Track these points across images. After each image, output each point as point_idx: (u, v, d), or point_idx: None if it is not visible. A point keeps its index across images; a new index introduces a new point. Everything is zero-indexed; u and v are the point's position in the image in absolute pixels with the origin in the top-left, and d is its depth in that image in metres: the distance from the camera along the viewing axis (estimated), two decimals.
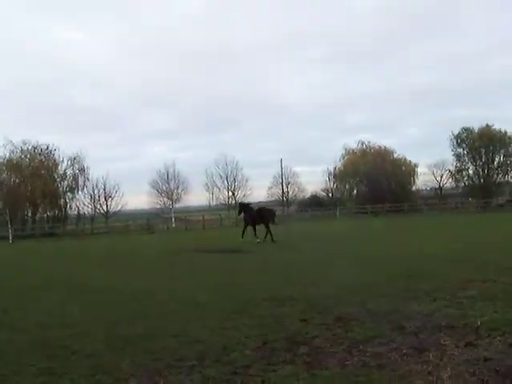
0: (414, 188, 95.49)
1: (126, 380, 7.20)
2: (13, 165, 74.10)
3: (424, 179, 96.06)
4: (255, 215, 34.52)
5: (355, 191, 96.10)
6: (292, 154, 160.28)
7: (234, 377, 7.05)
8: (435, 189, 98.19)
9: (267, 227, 33.29)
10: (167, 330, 9.76)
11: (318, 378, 6.78)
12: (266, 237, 32.87)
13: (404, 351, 7.63)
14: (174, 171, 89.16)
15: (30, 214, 75.72)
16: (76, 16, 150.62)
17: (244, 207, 36.97)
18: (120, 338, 9.44)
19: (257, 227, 33.89)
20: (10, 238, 60.28)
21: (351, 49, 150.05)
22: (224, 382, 6.91)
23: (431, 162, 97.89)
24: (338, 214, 78.16)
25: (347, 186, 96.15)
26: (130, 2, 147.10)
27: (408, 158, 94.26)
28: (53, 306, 13.21)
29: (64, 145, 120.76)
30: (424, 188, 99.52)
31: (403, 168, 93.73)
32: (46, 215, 76.65)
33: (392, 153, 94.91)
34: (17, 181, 74.25)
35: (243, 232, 34.31)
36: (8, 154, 74.85)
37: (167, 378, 7.18)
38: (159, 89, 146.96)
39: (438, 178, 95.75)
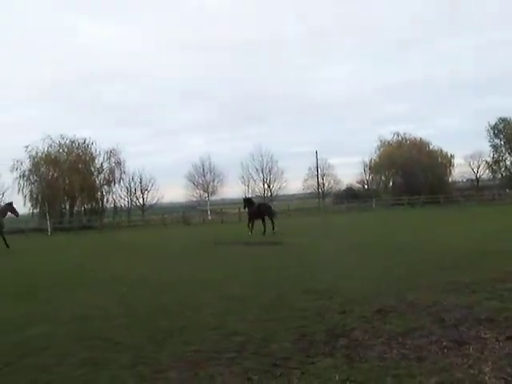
0: (450, 179, 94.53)
1: (165, 371, 7.25)
2: (51, 159, 74.76)
3: (461, 170, 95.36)
4: (256, 210, 36.82)
5: (391, 183, 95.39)
6: (327, 145, 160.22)
7: (273, 369, 7.05)
8: (472, 180, 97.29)
9: (263, 221, 35.78)
10: (206, 323, 9.82)
11: (357, 371, 6.75)
12: (264, 230, 34.97)
13: (444, 344, 7.57)
14: (210, 164, 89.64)
15: (67, 207, 76.39)
16: (114, 12, 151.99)
17: (248, 202, 38.81)
18: (159, 329, 9.52)
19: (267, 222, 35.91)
20: (49, 230, 61.02)
21: (385, 38, 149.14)
22: (263, 373, 6.91)
23: (468, 153, 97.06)
24: (373, 205, 77.72)
25: (383, 178, 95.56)
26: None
27: (444, 150, 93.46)
28: (92, 298, 13.38)
29: (101, 139, 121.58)
30: (460, 180, 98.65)
31: (439, 159, 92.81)
32: (83, 208, 77.21)
33: (428, 144, 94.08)
34: (55, 175, 74.86)
35: (248, 225, 36.34)
36: (46, 149, 75.57)
37: (207, 369, 7.20)
38: (195, 83, 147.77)
39: (475, 170, 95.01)
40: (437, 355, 7.14)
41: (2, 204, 54.28)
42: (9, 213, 36.39)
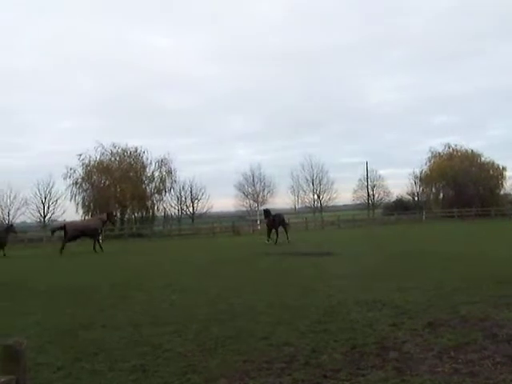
0: (502, 192, 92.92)
1: (215, 380, 7.30)
2: (103, 167, 75.78)
3: None
4: (271, 220, 40.51)
5: (441, 195, 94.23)
6: (377, 156, 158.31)
7: (323, 380, 7.06)
8: None
9: (277, 231, 39.52)
10: (257, 332, 9.86)
11: None
12: (276, 239, 38.85)
13: (497, 359, 7.48)
14: (260, 174, 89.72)
15: (118, 215, 77.25)
16: (164, 23, 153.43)
17: (267, 213, 42.34)
18: (210, 338, 9.59)
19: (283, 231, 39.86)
20: (100, 237, 61.71)
21: (434, 50, 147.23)
22: None
23: None
24: (423, 217, 76.91)
25: (433, 190, 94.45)
26: (214, 8, 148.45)
27: (496, 162, 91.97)
28: (144, 305, 13.54)
29: (152, 148, 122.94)
30: None
31: (491, 172, 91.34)
32: (133, 216, 78.08)
33: (479, 156, 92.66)
34: (107, 183, 75.84)
35: (268, 235, 40.12)
36: (99, 157, 76.61)
37: (257, 379, 7.23)
38: (242, 93, 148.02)
39: None
40: (490, 371, 7.05)
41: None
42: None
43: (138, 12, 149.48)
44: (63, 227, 41.33)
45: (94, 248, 38.65)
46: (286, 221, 43.23)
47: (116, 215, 75.88)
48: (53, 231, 45.13)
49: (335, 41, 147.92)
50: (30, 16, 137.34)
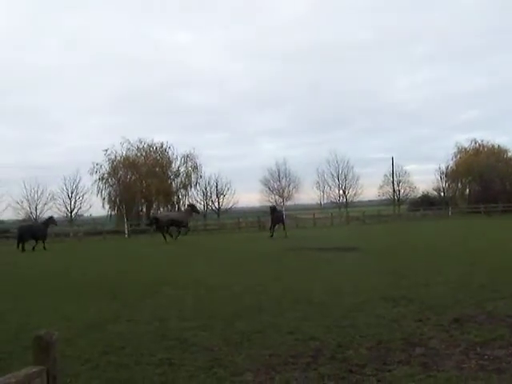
0: None
1: (242, 374, 7.34)
2: (129, 162, 76.11)
3: None
4: (273, 217, 45.65)
5: (467, 190, 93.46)
6: (403, 152, 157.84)
7: (349, 375, 7.07)
8: None
9: (283, 225, 45.33)
10: (283, 327, 9.88)
11: (434, 380, 6.70)
12: (286, 234, 42.89)
13: None
14: (286, 169, 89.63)
15: (144, 210, 77.55)
16: (187, 19, 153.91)
17: (273, 210, 47.56)
18: (236, 332, 9.64)
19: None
20: (126, 232, 62.08)
21: (460, 44, 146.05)
22: (339, 379, 6.93)
23: None
24: (450, 213, 76.36)
25: (459, 186, 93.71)
26: (237, 4, 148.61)
27: None
28: (170, 300, 13.61)
29: (178, 143, 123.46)
30: None
31: None
32: (159, 211, 78.40)
33: (506, 151, 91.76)
34: (133, 178, 76.18)
35: (272, 229, 44.72)
36: (125, 153, 77.01)
37: (282, 373, 7.26)
38: (270, 89, 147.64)
39: None
40: None
41: None
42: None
43: (162, 9, 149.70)
44: (156, 219, 45.74)
45: (176, 237, 43.45)
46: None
47: (141, 210, 76.56)
48: (149, 224, 48.42)
49: (361, 36, 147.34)
50: (56, 15, 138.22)
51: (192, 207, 47.80)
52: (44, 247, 39.79)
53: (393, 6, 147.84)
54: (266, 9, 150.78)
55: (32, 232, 41.66)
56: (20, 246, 39.59)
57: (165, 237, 42.28)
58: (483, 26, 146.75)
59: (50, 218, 45.25)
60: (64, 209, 79.90)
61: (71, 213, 79.62)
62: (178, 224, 44.84)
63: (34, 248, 39.94)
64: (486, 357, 7.51)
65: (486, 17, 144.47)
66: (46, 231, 42.22)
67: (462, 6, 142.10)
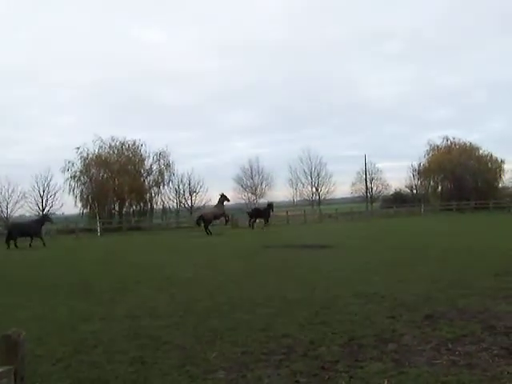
0: (500, 185, 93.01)
1: (214, 372, 7.32)
2: (102, 160, 75.67)
3: (511, 176, 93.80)
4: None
5: (440, 188, 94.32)
6: (375, 149, 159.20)
7: (321, 372, 7.08)
8: None
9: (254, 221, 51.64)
10: (255, 324, 9.88)
11: (406, 376, 6.72)
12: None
13: (495, 352, 7.50)
14: (258, 167, 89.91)
15: (116, 208, 77.26)
16: (160, 17, 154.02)
17: (270, 205, 54.70)
18: (209, 330, 9.62)
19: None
20: (99, 231, 61.75)
21: (433, 43, 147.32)
22: (311, 376, 6.94)
23: None
24: (422, 210, 76.96)
25: (432, 183, 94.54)
26: (211, 3, 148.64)
27: (494, 155, 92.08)
28: (143, 298, 13.56)
29: (151, 141, 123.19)
30: (511, 185, 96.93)
31: (489, 165, 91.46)
32: (132, 209, 78.12)
33: (478, 149, 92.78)
34: (105, 176, 75.76)
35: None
36: (97, 150, 76.55)
37: (255, 371, 7.26)
38: (240, 86, 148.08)
39: None
40: (487, 363, 7.07)
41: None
42: None
43: (136, 7, 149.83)
44: (202, 217, 48.27)
45: (209, 231, 45.36)
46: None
47: (114, 208, 76.29)
48: (198, 223, 48.37)
49: (335, 33, 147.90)
50: (28, 12, 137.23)
51: (223, 197, 49.64)
52: (44, 244, 39.38)
53: (367, 4, 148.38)
54: (238, 7, 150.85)
55: (21, 229, 41.50)
56: (9, 243, 39.31)
57: (210, 232, 45.02)
58: (456, 25, 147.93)
59: (45, 216, 45.09)
60: (36, 207, 79.36)
61: (43, 211, 78.91)
62: (221, 216, 48.83)
63: (30, 245, 39.71)
64: (457, 352, 7.56)
65: (458, 15, 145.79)
66: (39, 228, 41.72)
67: (435, 4, 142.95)
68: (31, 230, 41.15)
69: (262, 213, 53.44)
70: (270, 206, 53.89)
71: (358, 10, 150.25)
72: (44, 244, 39.36)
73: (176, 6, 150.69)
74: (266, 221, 52.62)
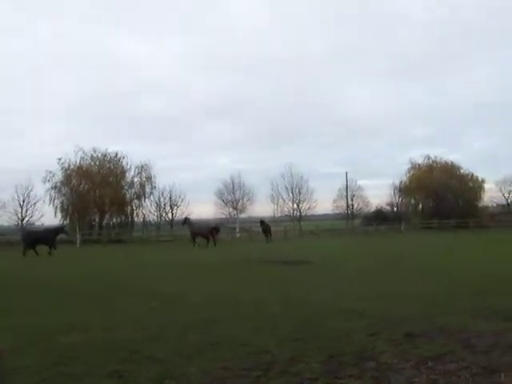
0: (480, 204, 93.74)
1: None
2: (83, 171, 75.62)
3: (491, 195, 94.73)
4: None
5: (420, 206, 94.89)
6: (357, 167, 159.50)
7: None
8: (503, 206, 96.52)
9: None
10: (236, 339, 9.82)
11: None
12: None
13: (475, 371, 7.48)
14: (240, 181, 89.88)
15: (97, 220, 77.04)
16: (141, 29, 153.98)
17: (261, 222, 62.38)
18: (189, 344, 9.55)
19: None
20: (78, 242, 61.47)
21: (412, 62, 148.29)
22: None
23: (499, 178, 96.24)
24: (402, 228, 77.30)
25: (412, 201, 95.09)
26: (196, 14, 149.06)
27: (475, 174, 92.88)
28: (124, 310, 13.48)
29: (132, 153, 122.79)
30: (491, 205, 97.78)
31: (470, 184, 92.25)
32: (112, 222, 77.95)
33: (459, 168, 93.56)
34: (86, 187, 75.71)
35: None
36: (78, 161, 76.54)
37: None
38: (224, 100, 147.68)
39: (506, 195, 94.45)
40: (467, 381, 7.07)
41: None
42: None
43: (121, 18, 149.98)
44: (216, 227, 53.36)
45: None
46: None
47: (94, 220, 76.05)
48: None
49: (318, 49, 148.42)
50: (14, 21, 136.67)
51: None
52: (49, 253, 39.83)
53: (351, 21, 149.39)
54: (223, 20, 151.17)
55: (34, 237, 42.00)
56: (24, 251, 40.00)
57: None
58: (439, 46, 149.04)
59: (62, 228, 45.34)
60: (15, 217, 78.83)
61: (22, 221, 78.45)
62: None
63: (49, 253, 39.98)
64: (436, 371, 7.54)
65: (438, 34, 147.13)
66: (53, 238, 42.02)
67: (419, 24, 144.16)
68: (44, 239, 41.69)
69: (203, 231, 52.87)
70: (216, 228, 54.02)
71: (344, 27, 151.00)
72: (50, 253, 39.77)
73: (161, 18, 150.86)
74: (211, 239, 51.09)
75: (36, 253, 39.92)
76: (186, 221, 54.25)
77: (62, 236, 45.74)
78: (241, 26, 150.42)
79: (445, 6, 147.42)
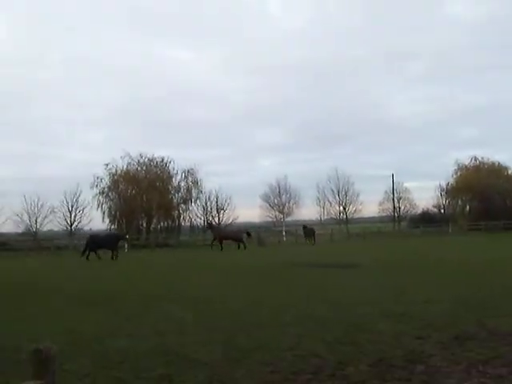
0: None
1: None
2: (130, 177, 76.17)
3: None
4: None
5: (468, 208, 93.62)
6: (403, 169, 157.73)
7: None
8: None
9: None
10: (283, 343, 9.81)
11: None
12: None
13: None
14: (286, 185, 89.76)
15: (144, 225, 77.56)
16: (187, 36, 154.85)
17: (304, 227, 64.33)
18: (236, 348, 9.57)
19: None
20: (126, 247, 62.03)
21: (459, 62, 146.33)
22: None
23: None
24: (450, 230, 76.39)
25: (459, 203, 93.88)
26: (236, 21, 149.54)
27: None
28: (171, 315, 13.50)
29: (178, 158, 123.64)
30: None
31: None
32: (159, 226, 78.39)
33: (506, 169, 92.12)
34: (133, 192, 76.23)
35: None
36: (126, 167, 77.14)
37: None
38: (269, 105, 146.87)
39: None
40: None
41: None
42: None
43: (162, 26, 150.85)
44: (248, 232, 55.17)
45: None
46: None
47: (141, 225, 76.72)
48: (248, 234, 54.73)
49: (360, 52, 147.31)
50: (57, 32, 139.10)
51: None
52: (112, 257, 40.82)
53: (392, 24, 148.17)
54: (263, 26, 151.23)
55: (98, 242, 42.95)
56: (86, 255, 40.79)
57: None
58: (482, 45, 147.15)
59: (123, 236, 46.27)
60: (64, 222, 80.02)
61: (71, 226, 79.56)
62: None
63: (116, 257, 41.18)
64: (487, 375, 7.45)
65: (485, 35, 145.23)
66: (114, 243, 43.00)
67: (461, 23, 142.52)
68: (106, 244, 42.75)
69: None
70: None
71: (383, 30, 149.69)
72: (112, 258, 40.84)
73: (202, 26, 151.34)
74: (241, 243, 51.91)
75: (98, 257, 40.76)
76: (210, 225, 56.09)
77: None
78: (280, 30, 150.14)
79: (486, 5, 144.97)
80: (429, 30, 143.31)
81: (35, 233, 76.66)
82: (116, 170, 76.35)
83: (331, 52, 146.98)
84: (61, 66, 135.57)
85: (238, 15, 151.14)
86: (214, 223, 54.56)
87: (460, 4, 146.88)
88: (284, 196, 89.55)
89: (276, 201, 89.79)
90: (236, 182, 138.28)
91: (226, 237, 52.00)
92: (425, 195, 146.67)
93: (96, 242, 42.63)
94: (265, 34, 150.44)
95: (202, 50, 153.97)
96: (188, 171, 79.18)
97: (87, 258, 40.19)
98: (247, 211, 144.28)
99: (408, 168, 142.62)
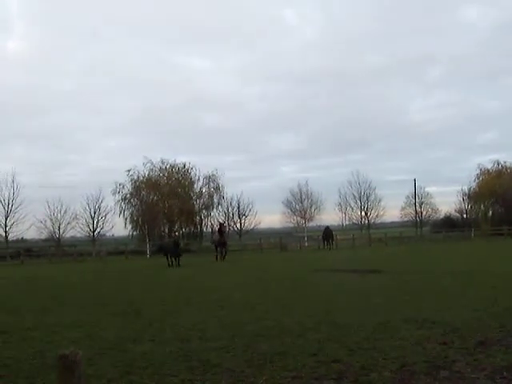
0: None
1: None
2: (152, 183, 76.51)
3: None
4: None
5: (490, 212, 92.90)
6: (425, 174, 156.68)
7: None
8: None
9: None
10: (305, 348, 9.79)
11: None
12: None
13: None
14: (308, 190, 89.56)
15: (166, 231, 77.78)
16: (204, 44, 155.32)
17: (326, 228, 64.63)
18: (259, 353, 9.55)
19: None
20: (148, 252, 62.29)
21: (476, 68, 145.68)
22: None
23: None
24: (472, 235, 75.86)
25: (482, 207, 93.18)
26: (253, 29, 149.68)
27: None
28: (193, 320, 13.53)
29: (200, 165, 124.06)
30: None
31: None
32: (181, 232, 78.56)
33: None
34: (155, 198, 76.53)
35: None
36: (147, 173, 77.51)
37: None
38: (289, 111, 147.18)
39: None
40: None
41: None
42: None
43: (179, 35, 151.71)
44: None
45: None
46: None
47: (163, 231, 76.96)
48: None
49: (376, 60, 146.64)
50: (77, 40, 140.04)
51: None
52: (178, 264, 40.35)
53: (407, 30, 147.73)
54: (280, 33, 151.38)
55: (165, 249, 43.51)
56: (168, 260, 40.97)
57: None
58: (499, 51, 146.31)
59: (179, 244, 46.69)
60: (87, 228, 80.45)
61: (93, 232, 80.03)
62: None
63: (178, 264, 40.58)
64: None
65: (501, 39, 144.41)
66: (176, 249, 42.39)
67: (476, 29, 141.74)
68: (170, 250, 42.36)
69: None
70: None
71: (400, 36, 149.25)
72: (178, 264, 40.22)
73: (219, 35, 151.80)
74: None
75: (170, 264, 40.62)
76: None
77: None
78: (298, 37, 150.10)
79: (507, 10, 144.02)
80: (445, 34, 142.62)
81: (58, 239, 77.16)
82: (138, 177, 76.84)
83: (347, 59, 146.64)
84: (82, 75, 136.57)
85: (255, 24, 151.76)
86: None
87: (479, 8, 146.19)
88: (305, 201, 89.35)
89: (298, 206, 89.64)
90: (257, 187, 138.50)
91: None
92: (447, 200, 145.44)
93: (164, 249, 43.16)
94: (281, 43, 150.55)
95: (218, 59, 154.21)
96: (210, 177, 79.50)
97: (168, 265, 40.06)
98: (269, 217, 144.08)
99: (428, 173, 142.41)
